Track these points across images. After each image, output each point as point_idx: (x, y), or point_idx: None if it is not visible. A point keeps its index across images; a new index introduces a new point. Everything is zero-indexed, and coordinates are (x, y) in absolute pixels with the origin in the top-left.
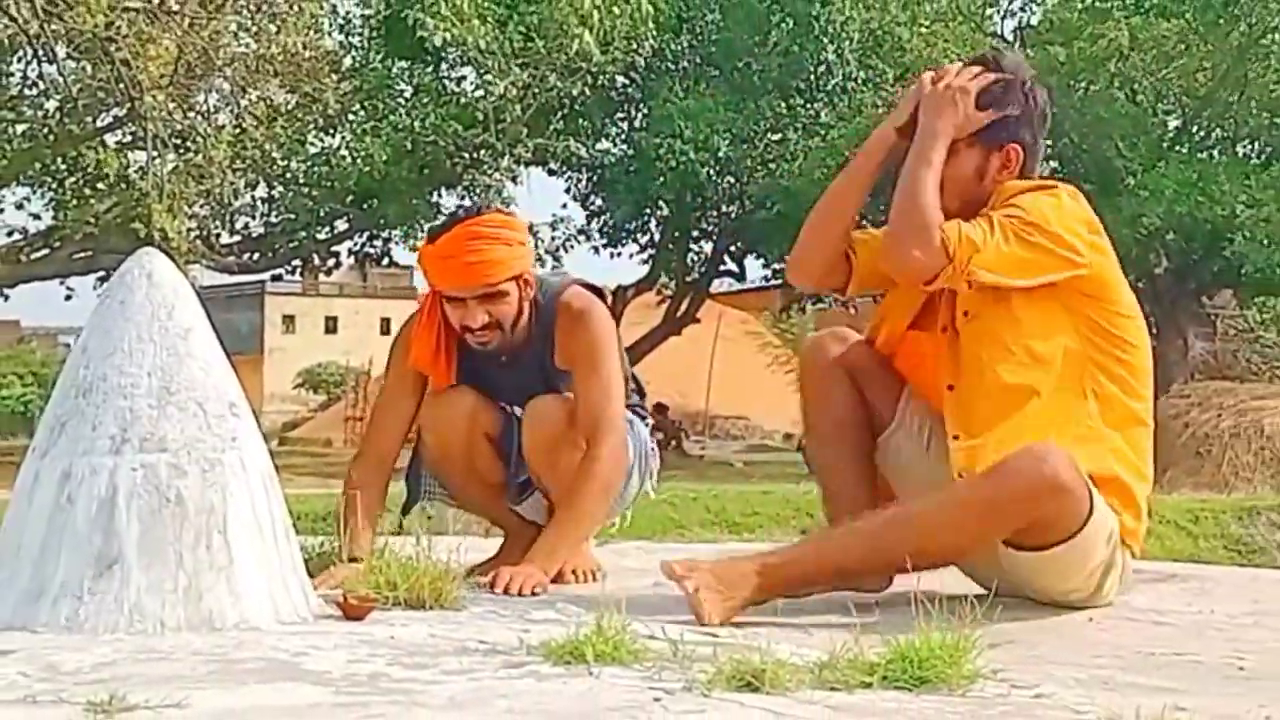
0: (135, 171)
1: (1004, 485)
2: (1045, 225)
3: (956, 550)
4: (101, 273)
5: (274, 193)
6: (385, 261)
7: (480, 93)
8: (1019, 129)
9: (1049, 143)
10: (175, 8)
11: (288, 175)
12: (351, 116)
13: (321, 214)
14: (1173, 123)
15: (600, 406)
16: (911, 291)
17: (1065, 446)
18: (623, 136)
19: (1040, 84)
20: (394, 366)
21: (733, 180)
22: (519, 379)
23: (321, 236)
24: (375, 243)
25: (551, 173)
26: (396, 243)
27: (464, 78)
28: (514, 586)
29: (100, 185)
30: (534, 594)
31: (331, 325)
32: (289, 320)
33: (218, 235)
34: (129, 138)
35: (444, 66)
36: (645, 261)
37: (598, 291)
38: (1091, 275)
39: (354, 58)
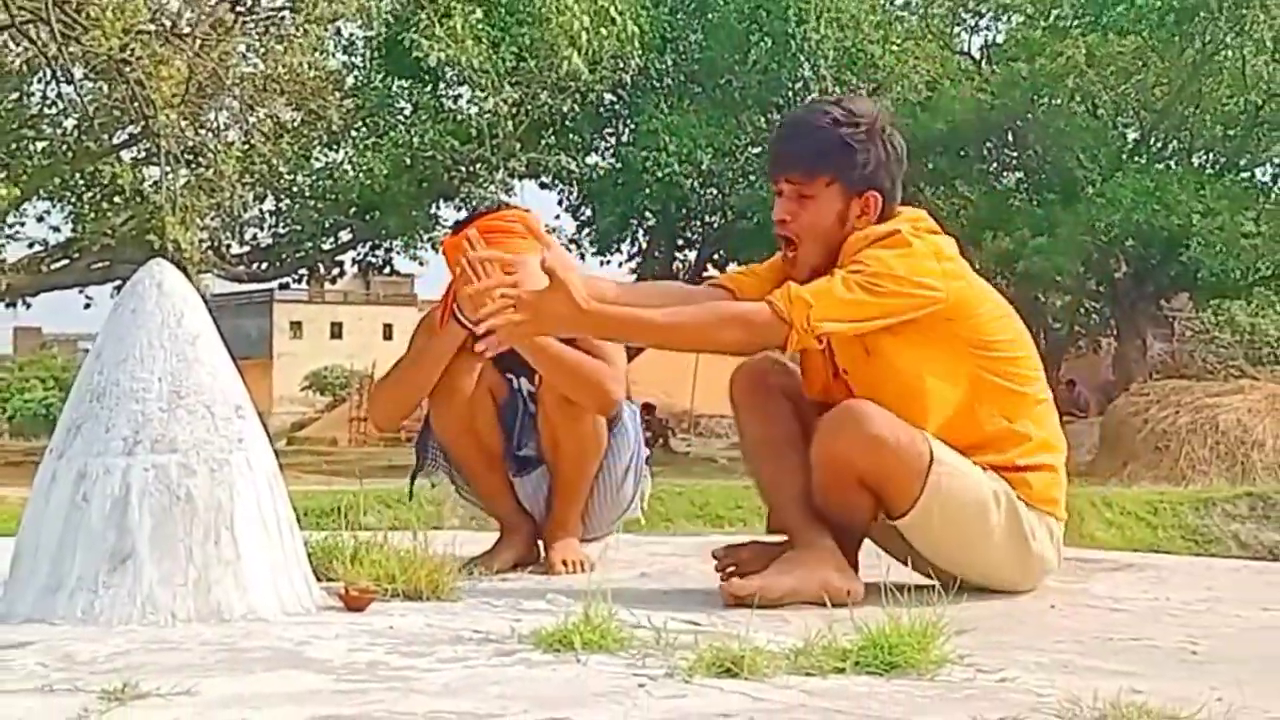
0: (149, 186)
1: (834, 440)
2: (892, 273)
3: (847, 516)
4: (118, 282)
5: (281, 205)
6: (387, 270)
7: (475, 110)
8: (878, 175)
9: (1013, 154)
10: (186, 31)
11: (294, 189)
12: (354, 133)
13: (326, 225)
14: (1131, 135)
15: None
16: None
17: (974, 450)
18: (611, 151)
19: (895, 128)
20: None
21: (715, 192)
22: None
23: (326, 247)
24: (377, 252)
25: (544, 185)
26: (397, 252)
27: (460, 96)
28: (575, 566)
29: (116, 199)
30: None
31: (336, 330)
32: (296, 326)
33: (228, 246)
34: (143, 154)
35: (441, 85)
36: (633, 270)
37: None
38: (951, 302)
39: (356, 77)
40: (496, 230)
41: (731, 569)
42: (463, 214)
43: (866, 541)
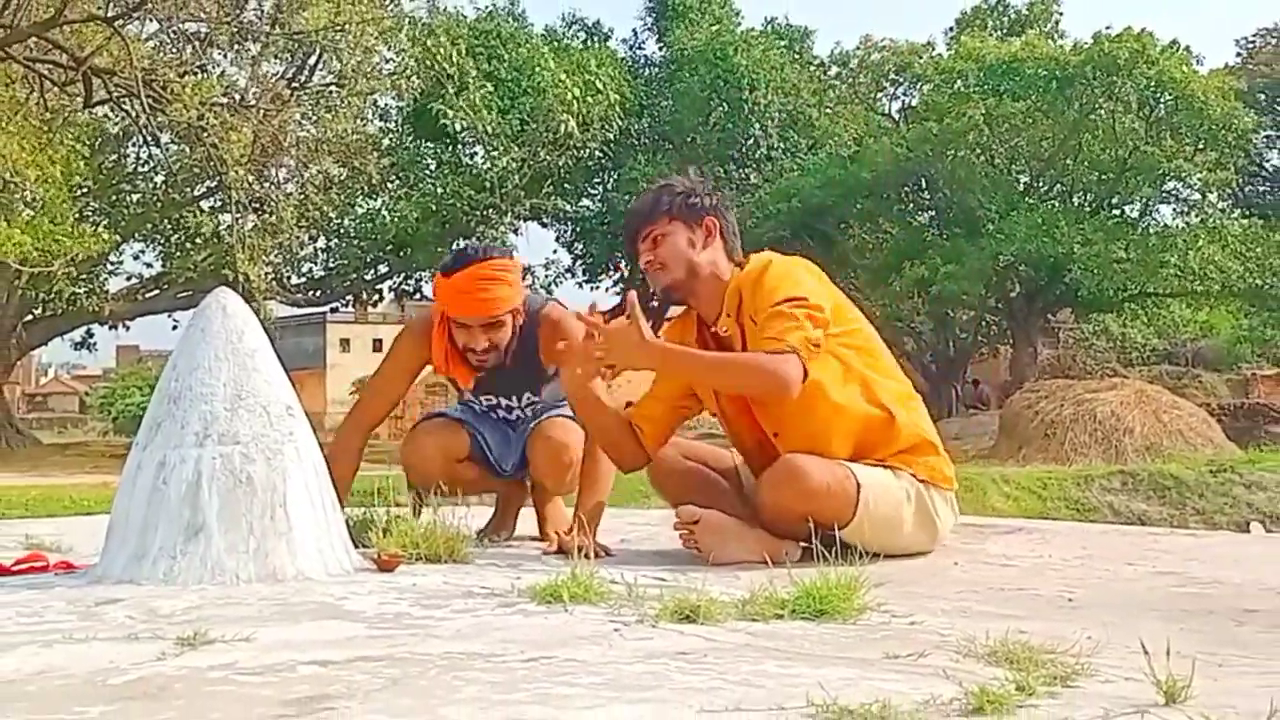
0: (224, 230)
1: (776, 494)
2: (805, 294)
3: (781, 532)
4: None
5: (331, 244)
6: (417, 296)
7: (488, 165)
8: (708, 207)
9: (926, 196)
10: (251, 103)
11: (341, 231)
12: (389, 185)
13: (368, 260)
14: (1022, 180)
15: None
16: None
17: (880, 452)
18: (598, 196)
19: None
20: (393, 357)
21: None
22: (514, 375)
23: (368, 277)
24: (409, 281)
25: (543, 225)
26: (426, 281)
27: (475, 154)
28: (577, 548)
29: (197, 240)
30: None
31: (378, 345)
32: (345, 342)
33: (288, 278)
34: (218, 204)
35: (460, 146)
36: (617, 293)
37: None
38: (829, 308)
39: (390, 140)
40: (486, 278)
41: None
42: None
43: None
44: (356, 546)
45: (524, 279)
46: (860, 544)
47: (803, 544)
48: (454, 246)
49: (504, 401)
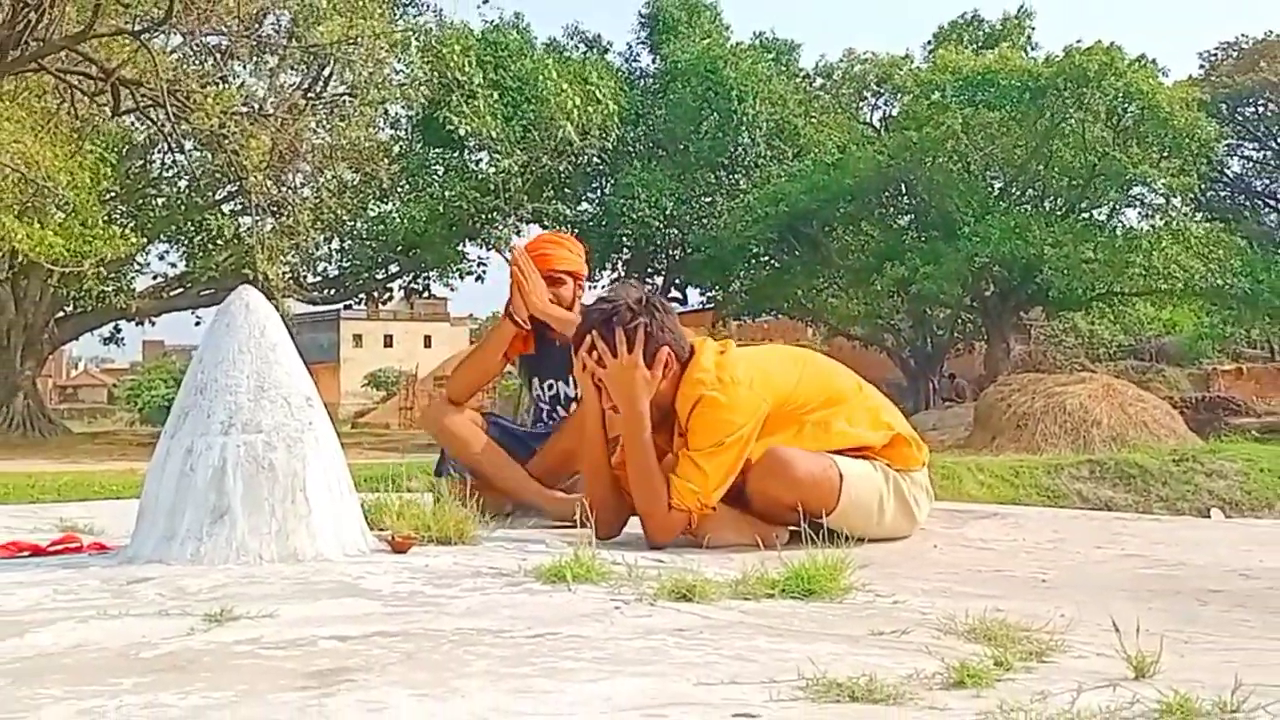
0: (244, 231)
1: (765, 487)
2: (726, 434)
3: (771, 520)
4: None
5: (345, 246)
6: (426, 294)
7: (492, 170)
8: (662, 336)
9: (906, 201)
10: (269, 112)
11: (354, 233)
12: (399, 189)
13: (379, 260)
14: (997, 185)
15: None
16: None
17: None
18: (596, 200)
19: (646, 293)
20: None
21: (676, 231)
22: (567, 358)
23: (379, 277)
24: (419, 281)
25: (544, 227)
26: (434, 280)
27: (480, 159)
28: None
29: (219, 242)
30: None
31: (389, 341)
32: (358, 338)
33: (304, 276)
34: (239, 207)
35: (466, 151)
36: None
37: None
38: (770, 403)
39: (401, 146)
40: (549, 241)
41: None
42: (485, 250)
43: None
44: (372, 529)
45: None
46: (845, 529)
47: (791, 528)
48: (460, 246)
49: (564, 390)
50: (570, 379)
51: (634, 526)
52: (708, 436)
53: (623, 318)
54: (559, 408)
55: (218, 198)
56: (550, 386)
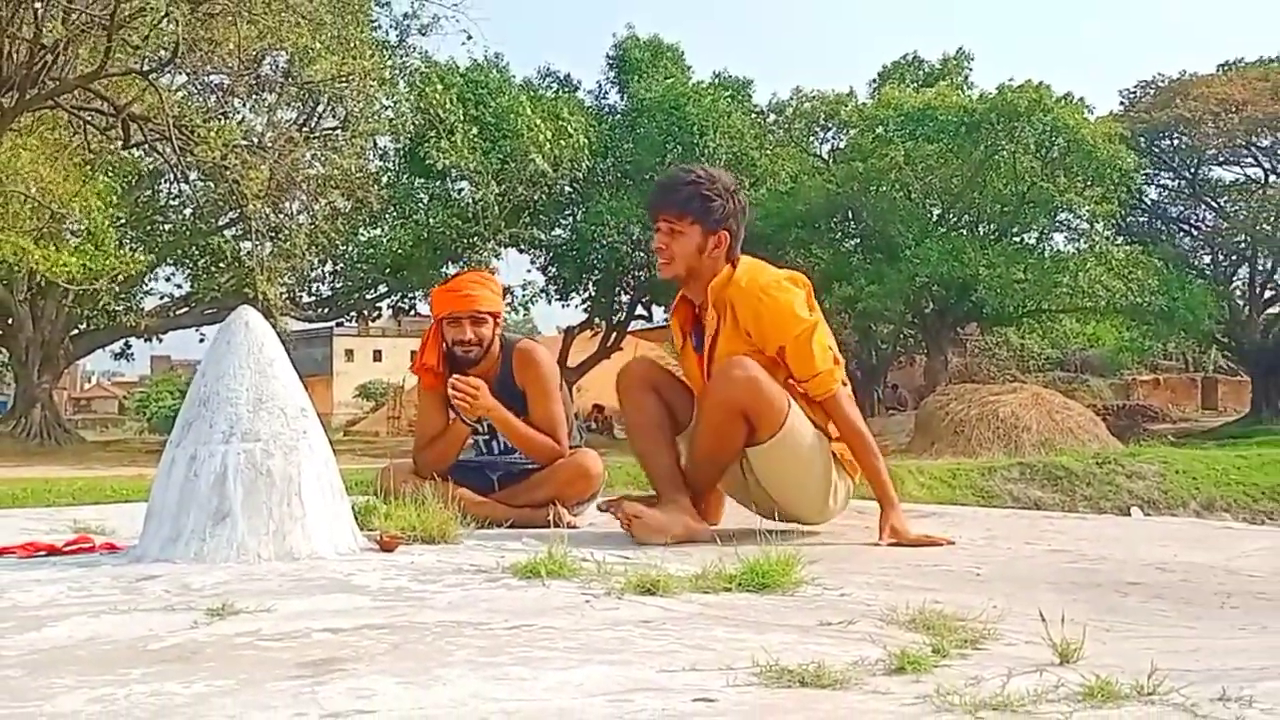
0: (244, 255)
1: (725, 382)
2: (804, 322)
3: (726, 448)
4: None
5: (337, 268)
6: (412, 313)
7: (472, 199)
8: (727, 219)
9: (853, 226)
10: (268, 144)
11: (346, 256)
12: (387, 216)
13: (369, 281)
14: (935, 212)
15: (551, 428)
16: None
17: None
18: (569, 227)
19: (742, 191)
20: (419, 384)
21: (643, 255)
22: (498, 399)
23: (369, 296)
24: (405, 300)
25: (521, 251)
26: (419, 300)
27: (462, 189)
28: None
29: (221, 264)
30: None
31: (378, 355)
32: (349, 353)
33: (300, 296)
34: (240, 232)
35: (448, 181)
36: (585, 310)
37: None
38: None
39: (388, 176)
40: (470, 281)
41: (623, 518)
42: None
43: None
44: (361, 530)
45: (504, 296)
46: (770, 474)
47: (713, 527)
48: (443, 268)
49: (503, 456)
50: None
51: (613, 528)
52: (790, 326)
53: (710, 192)
54: (495, 439)
55: (220, 224)
56: (480, 421)
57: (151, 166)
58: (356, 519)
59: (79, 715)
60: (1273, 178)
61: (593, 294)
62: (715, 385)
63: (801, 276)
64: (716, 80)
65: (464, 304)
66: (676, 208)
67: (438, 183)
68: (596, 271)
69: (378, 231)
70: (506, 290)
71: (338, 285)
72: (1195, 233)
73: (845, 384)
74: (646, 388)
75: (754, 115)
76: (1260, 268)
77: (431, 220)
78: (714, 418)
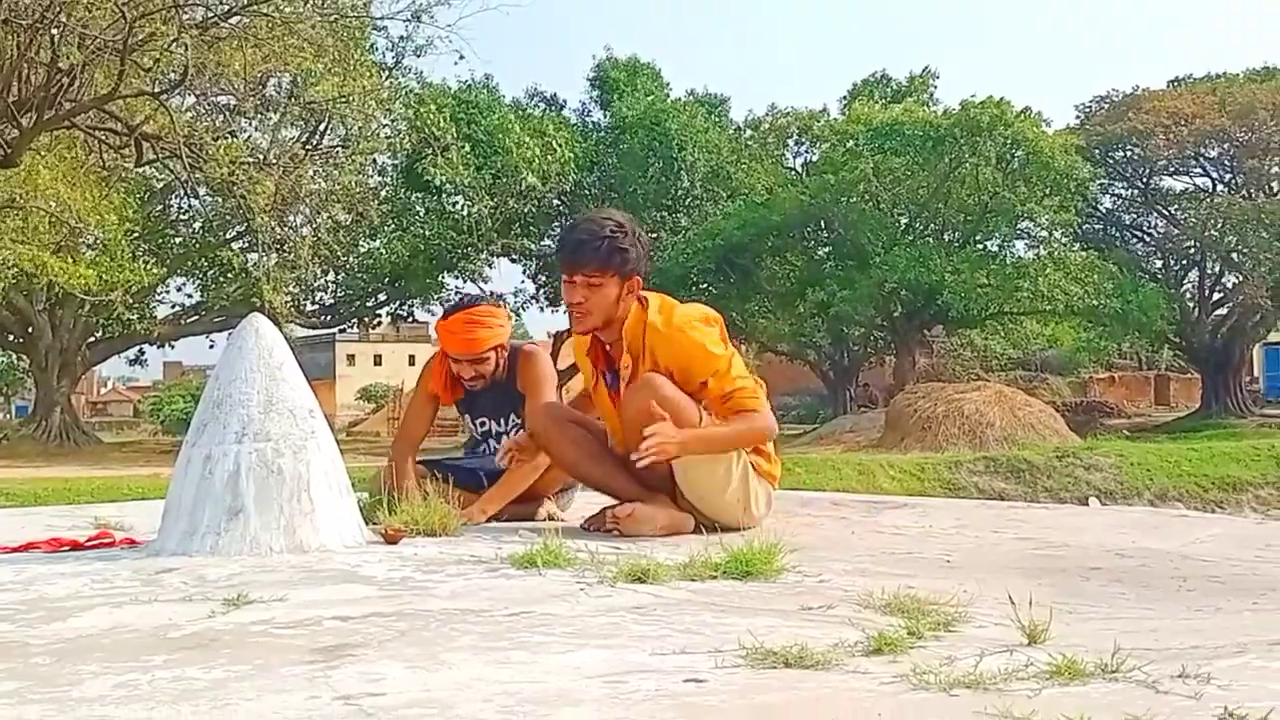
0: (251, 266)
1: (635, 401)
2: (720, 359)
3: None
4: (233, 330)
5: (339, 278)
6: (410, 320)
7: (466, 212)
8: (639, 263)
9: (825, 235)
10: (273, 161)
11: (348, 267)
12: (386, 228)
13: (369, 290)
14: (903, 221)
15: None
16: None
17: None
18: (557, 237)
19: (641, 225)
20: (419, 387)
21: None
22: (496, 398)
23: (369, 304)
24: (404, 308)
25: (513, 261)
26: (417, 307)
27: (456, 203)
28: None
29: (230, 275)
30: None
31: (378, 360)
32: (351, 357)
33: (305, 304)
34: (247, 244)
35: (443, 196)
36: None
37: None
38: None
39: (387, 191)
40: (471, 323)
41: (613, 522)
42: (461, 281)
43: None
44: (367, 524)
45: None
46: (692, 485)
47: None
48: (439, 278)
49: (493, 426)
50: (503, 419)
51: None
52: (705, 365)
53: (625, 243)
54: (490, 440)
55: (228, 236)
56: (482, 424)
57: (163, 183)
58: (362, 513)
59: (105, 699)
60: (1220, 187)
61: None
62: (629, 400)
63: (713, 314)
64: (693, 97)
65: (466, 348)
66: (598, 263)
67: (433, 197)
68: None
69: (377, 243)
70: (500, 299)
71: (340, 294)
72: (1147, 239)
73: (765, 407)
74: (566, 423)
75: (731, 131)
76: (1209, 272)
77: (428, 232)
78: (629, 434)
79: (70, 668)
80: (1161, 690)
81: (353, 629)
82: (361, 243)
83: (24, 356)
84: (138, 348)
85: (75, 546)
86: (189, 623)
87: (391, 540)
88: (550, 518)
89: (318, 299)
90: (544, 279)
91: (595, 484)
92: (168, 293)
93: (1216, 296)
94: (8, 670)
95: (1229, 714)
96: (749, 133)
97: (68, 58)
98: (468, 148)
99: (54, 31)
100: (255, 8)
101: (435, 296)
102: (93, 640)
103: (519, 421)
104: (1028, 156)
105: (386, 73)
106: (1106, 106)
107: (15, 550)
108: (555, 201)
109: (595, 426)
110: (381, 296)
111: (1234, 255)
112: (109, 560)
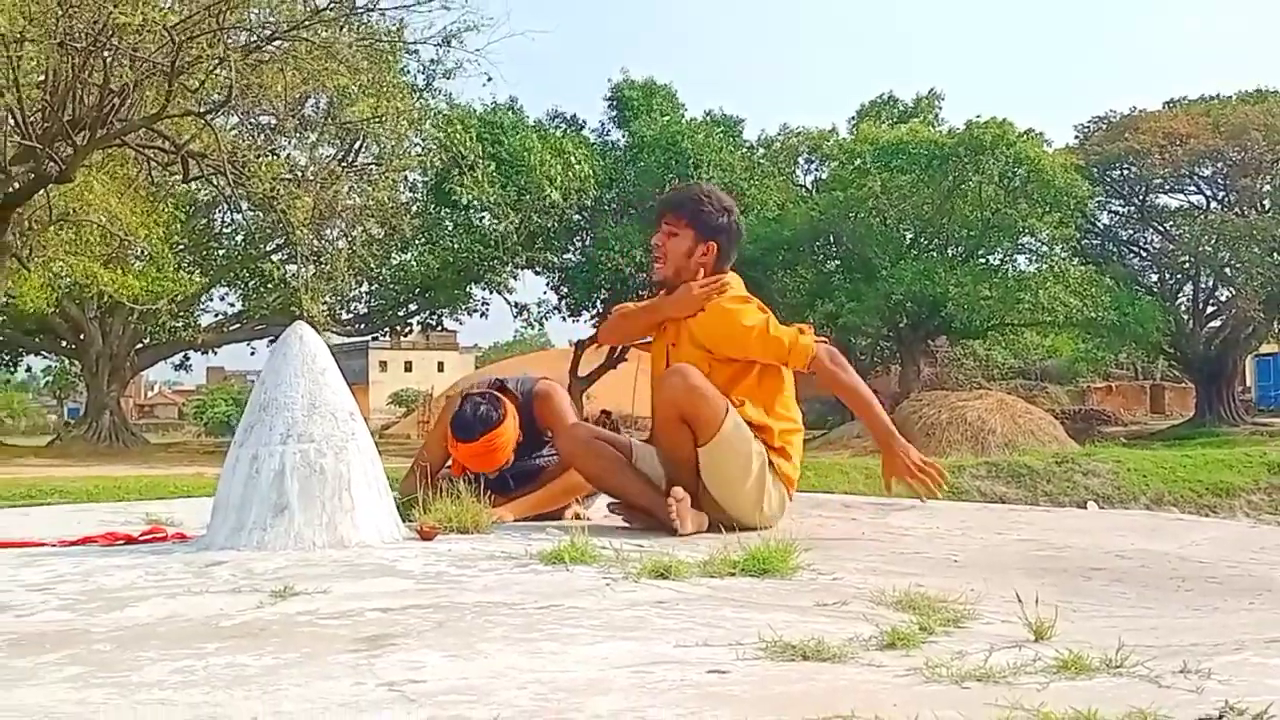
0: (290, 277)
1: (665, 389)
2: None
3: (677, 443)
4: (272, 337)
5: (373, 289)
6: (439, 328)
7: (492, 227)
8: (718, 233)
9: (834, 249)
10: (310, 178)
11: (381, 278)
12: (417, 242)
13: (400, 300)
14: (909, 236)
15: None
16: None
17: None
18: (578, 250)
19: (739, 216)
20: (438, 423)
21: (644, 276)
22: (521, 444)
23: (401, 314)
24: (433, 317)
25: (536, 273)
26: (445, 316)
27: (483, 218)
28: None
29: (270, 285)
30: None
31: (409, 366)
32: (383, 364)
33: (340, 314)
34: (286, 256)
35: (470, 212)
36: (593, 325)
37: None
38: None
39: (418, 207)
40: (491, 447)
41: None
42: (487, 291)
43: None
44: (404, 521)
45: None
46: (711, 474)
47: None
48: (467, 289)
49: (517, 462)
50: (525, 458)
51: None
52: (747, 332)
53: (708, 204)
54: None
55: (268, 249)
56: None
57: (207, 198)
58: (399, 511)
59: (164, 684)
60: (1214, 204)
61: (600, 310)
62: (656, 390)
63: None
64: (709, 118)
65: (490, 466)
66: (675, 210)
67: (461, 213)
68: (603, 290)
69: (408, 256)
70: (522, 309)
71: (373, 304)
72: (1144, 254)
73: (823, 341)
74: (592, 440)
75: (744, 150)
76: (1203, 285)
77: (456, 246)
78: (657, 419)
79: (130, 654)
80: (1164, 685)
81: (393, 620)
82: (394, 255)
83: (76, 361)
84: (183, 354)
85: (129, 541)
86: (239, 613)
87: (426, 537)
88: (576, 518)
89: (352, 308)
90: (566, 290)
91: (619, 494)
92: (211, 302)
93: (1210, 309)
94: (71, 656)
95: (1230, 707)
96: (761, 151)
97: (119, 79)
98: (493, 166)
99: (106, 54)
100: (296, 33)
101: (463, 307)
102: (149, 629)
103: (541, 455)
104: (1029, 175)
105: (418, 94)
106: (1104, 127)
107: (74, 544)
108: (576, 216)
109: (620, 442)
110: (412, 306)
111: (1227, 270)
112: (162, 554)
